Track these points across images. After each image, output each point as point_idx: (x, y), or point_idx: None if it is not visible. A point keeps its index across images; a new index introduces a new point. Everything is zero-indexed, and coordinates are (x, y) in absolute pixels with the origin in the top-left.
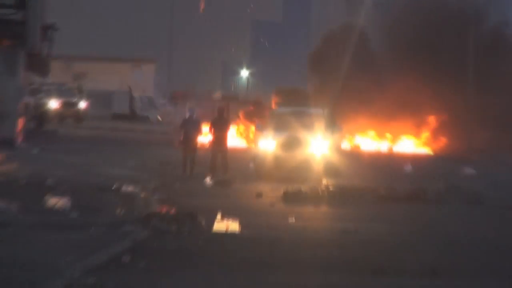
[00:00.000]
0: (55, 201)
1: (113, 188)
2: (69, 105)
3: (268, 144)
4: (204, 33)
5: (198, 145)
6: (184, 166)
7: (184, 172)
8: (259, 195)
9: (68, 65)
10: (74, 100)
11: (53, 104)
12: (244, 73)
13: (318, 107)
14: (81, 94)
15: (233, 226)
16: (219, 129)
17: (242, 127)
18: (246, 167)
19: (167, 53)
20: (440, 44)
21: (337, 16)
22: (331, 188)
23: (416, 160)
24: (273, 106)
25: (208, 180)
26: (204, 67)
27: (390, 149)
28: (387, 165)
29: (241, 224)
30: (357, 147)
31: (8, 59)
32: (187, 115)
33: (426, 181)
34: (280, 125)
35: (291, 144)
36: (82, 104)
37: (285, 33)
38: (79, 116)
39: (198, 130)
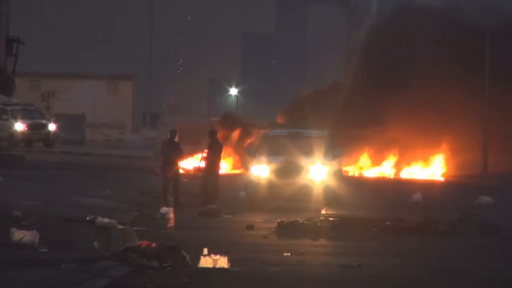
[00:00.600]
0: (21, 235)
1: (86, 220)
2: (37, 128)
3: (261, 170)
4: (189, 47)
5: (180, 170)
6: (165, 195)
7: (166, 201)
8: (250, 226)
9: (36, 83)
10: (43, 122)
11: (20, 126)
12: (233, 91)
13: (317, 128)
14: (50, 115)
15: (221, 261)
16: (211, 154)
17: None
18: (236, 196)
19: (147, 68)
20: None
21: (336, 29)
22: (331, 219)
23: (426, 187)
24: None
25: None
26: (188, 84)
27: (397, 174)
28: (394, 192)
29: (230, 259)
30: (360, 172)
31: None
32: (168, 137)
33: (437, 210)
34: (274, 149)
35: (286, 170)
36: (52, 127)
37: (279, 47)
38: (49, 140)
39: (179, 154)
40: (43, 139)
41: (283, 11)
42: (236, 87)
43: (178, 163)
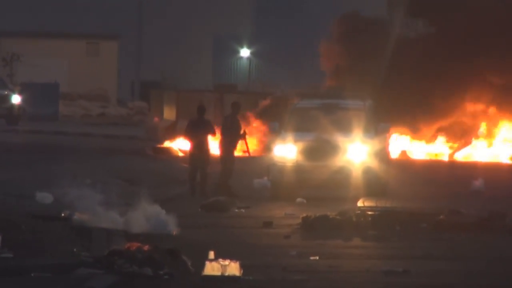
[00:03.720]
0: None
1: (60, 217)
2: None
3: (286, 151)
4: None
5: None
6: (193, 183)
7: (193, 191)
8: (268, 223)
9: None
10: (5, 93)
11: None
12: (245, 52)
13: (357, 99)
14: (14, 85)
15: (231, 267)
16: (226, 134)
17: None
18: (250, 184)
19: (136, 25)
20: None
21: None
22: (370, 213)
23: (490, 171)
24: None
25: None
26: (188, 45)
27: (453, 155)
28: (450, 178)
29: (242, 264)
30: (408, 153)
31: None
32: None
33: (504, 202)
34: (303, 124)
35: (318, 149)
36: (16, 99)
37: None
38: (12, 116)
39: (211, 134)
40: (5, 114)
41: None
42: (248, 47)
43: (209, 146)
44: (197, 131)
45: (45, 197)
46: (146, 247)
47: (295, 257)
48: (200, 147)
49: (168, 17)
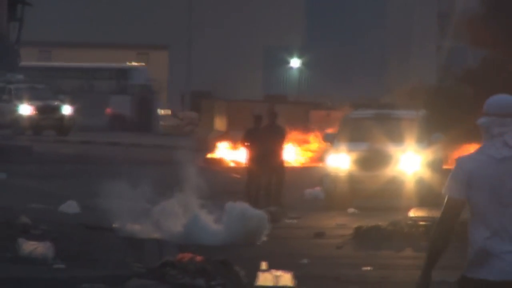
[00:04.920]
0: (31, 247)
1: (112, 228)
2: (48, 111)
3: (340, 161)
4: (237, 7)
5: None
6: (250, 195)
7: (253, 203)
8: (319, 234)
9: (47, 54)
10: (55, 103)
11: (26, 109)
12: (295, 63)
13: (410, 109)
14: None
15: (284, 278)
16: (270, 141)
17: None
18: (302, 195)
19: (186, 35)
20: None
21: None
22: (422, 223)
23: None
24: None
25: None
26: (238, 56)
27: None
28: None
29: (295, 275)
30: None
31: None
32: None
33: None
34: (357, 134)
35: (371, 159)
36: (67, 110)
37: (354, 7)
38: (63, 126)
39: (281, 141)
40: (56, 125)
41: None
42: (299, 57)
43: (281, 154)
44: (265, 139)
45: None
46: (198, 258)
47: (348, 267)
48: (270, 155)
49: (218, 27)
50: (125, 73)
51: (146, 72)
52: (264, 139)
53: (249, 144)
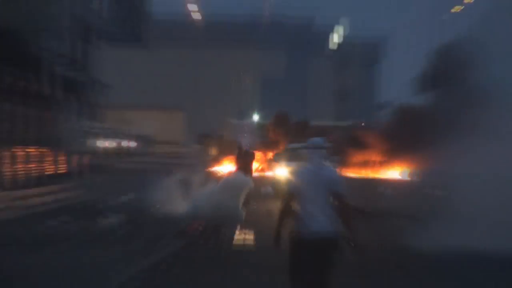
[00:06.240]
0: (107, 220)
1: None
2: (120, 144)
3: (282, 171)
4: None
5: None
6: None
7: None
8: (269, 212)
9: (121, 113)
10: (125, 140)
11: (108, 143)
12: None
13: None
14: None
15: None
16: (247, 160)
17: None
18: (259, 190)
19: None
20: None
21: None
22: None
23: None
24: None
25: None
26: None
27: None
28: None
29: (256, 233)
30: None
31: (74, 109)
32: None
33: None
34: (291, 157)
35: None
36: (131, 144)
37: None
38: (129, 153)
39: (252, 160)
40: (123, 152)
41: None
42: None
43: (252, 167)
44: (244, 158)
45: None
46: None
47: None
48: (247, 167)
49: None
50: None
51: None
52: (243, 158)
53: (236, 161)
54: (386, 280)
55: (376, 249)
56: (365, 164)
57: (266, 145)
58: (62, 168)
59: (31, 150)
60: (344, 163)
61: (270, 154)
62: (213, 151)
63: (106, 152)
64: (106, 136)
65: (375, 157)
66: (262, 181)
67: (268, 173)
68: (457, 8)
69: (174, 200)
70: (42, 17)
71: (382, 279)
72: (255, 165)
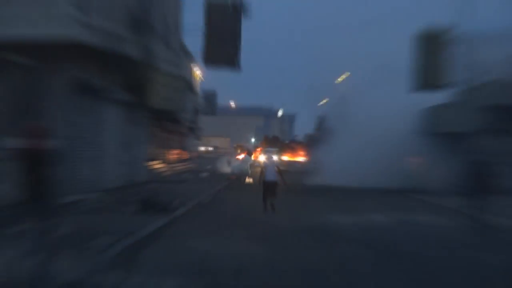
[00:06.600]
0: (202, 174)
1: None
2: (208, 149)
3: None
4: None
5: None
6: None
7: None
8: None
9: (207, 138)
10: (208, 147)
11: (203, 148)
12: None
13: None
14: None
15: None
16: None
17: None
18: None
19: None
20: None
21: None
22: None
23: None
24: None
25: None
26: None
27: None
28: None
29: (253, 179)
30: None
31: (191, 136)
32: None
33: None
34: (266, 154)
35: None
36: (210, 149)
37: None
38: (209, 152)
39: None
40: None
41: None
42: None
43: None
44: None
45: None
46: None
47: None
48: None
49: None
50: None
51: None
52: (248, 153)
53: (246, 154)
54: (300, 194)
55: (292, 185)
56: (291, 155)
57: (257, 148)
58: (187, 157)
59: (177, 151)
60: (281, 155)
61: (258, 152)
62: (238, 150)
63: (202, 151)
64: (201, 145)
65: (294, 154)
66: (255, 161)
67: (258, 159)
68: None
69: (225, 167)
70: (181, 103)
71: (298, 193)
72: (253, 155)
